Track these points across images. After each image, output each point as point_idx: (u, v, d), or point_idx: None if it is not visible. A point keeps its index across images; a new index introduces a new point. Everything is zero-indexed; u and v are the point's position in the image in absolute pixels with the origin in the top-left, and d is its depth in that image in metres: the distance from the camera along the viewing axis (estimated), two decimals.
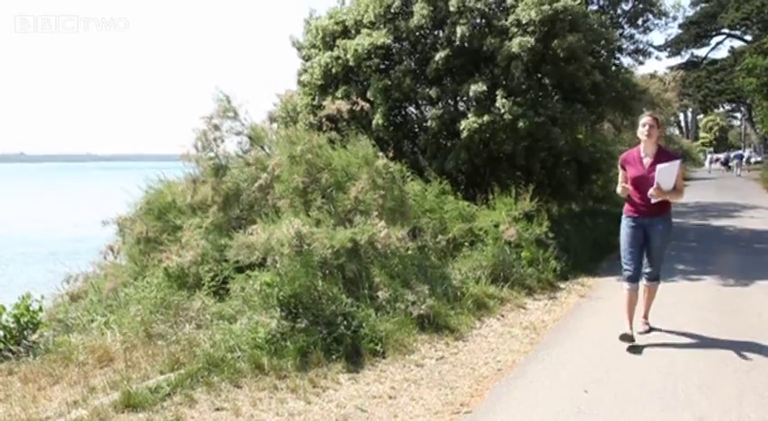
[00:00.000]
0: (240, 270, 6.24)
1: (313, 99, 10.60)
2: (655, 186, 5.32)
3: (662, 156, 5.48)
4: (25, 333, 6.33)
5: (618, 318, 5.84)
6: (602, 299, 7.41)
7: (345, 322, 5.48)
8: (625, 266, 5.76)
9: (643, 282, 5.89)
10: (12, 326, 6.30)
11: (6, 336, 6.23)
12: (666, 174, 5.31)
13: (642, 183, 5.46)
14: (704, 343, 5.65)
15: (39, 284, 8.75)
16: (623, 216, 5.74)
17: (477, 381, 4.93)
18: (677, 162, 5.38)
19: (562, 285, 8.09)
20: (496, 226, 8.07)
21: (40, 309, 6.75)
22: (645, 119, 5.53)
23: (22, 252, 21.48)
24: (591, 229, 11.35)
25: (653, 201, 5.40)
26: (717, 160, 44.67)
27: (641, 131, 5.50)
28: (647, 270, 5.86)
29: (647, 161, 5.49)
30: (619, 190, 5.68)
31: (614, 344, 5.54)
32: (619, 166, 5.73)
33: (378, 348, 5.43)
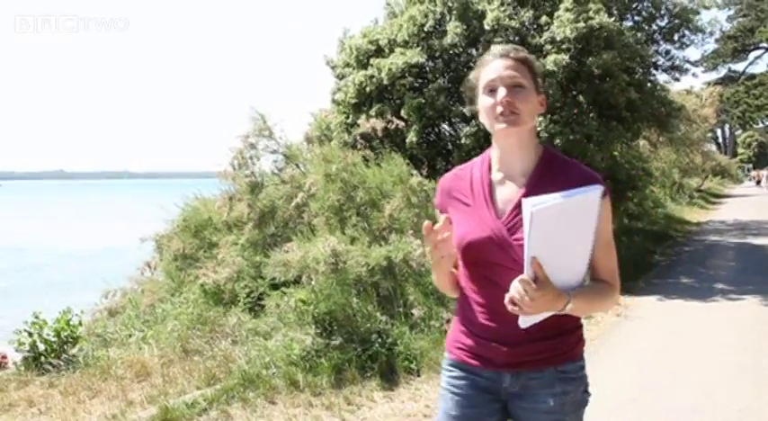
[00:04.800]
0: (275, 287, 6.30)
1: (347, 117, 10.68)
2: (526, 272, 1.67)
3: (553, 175, 1.87)
4: (65, 347, 6.43)
5: (656, 338, 5.76)
6: (640, 318, 7.30)
7: (380, 340, 5.48)
8: None
9: None
10: (52, 340, 6.41)
11: (47, 350, 6.34)
12: (560, 226, 1.64)
13: (494, 259, 1.86)
14: (745, 363, 5.54)
15: (79, 297, 8.91)
16: (444, 367, 2.11)
17: None
18: (595, 192, 1.67)
19: None
20: None
21: (80, 324, 6.87)
22: (496, 65, 1.90)
23: (65, 265, 21.90)
24: (627, 248, 11.23)
25: (522, 323, 1.75)
26: None
27: (488, 106, 1.89)
28: None
29: (507, 192, 1.91)
30: (435, 278, 2.08)
31: (652, 365, 5.45)
32: (437, 212, 2.11)
33: (412, 366, 5.42)
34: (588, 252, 1.72)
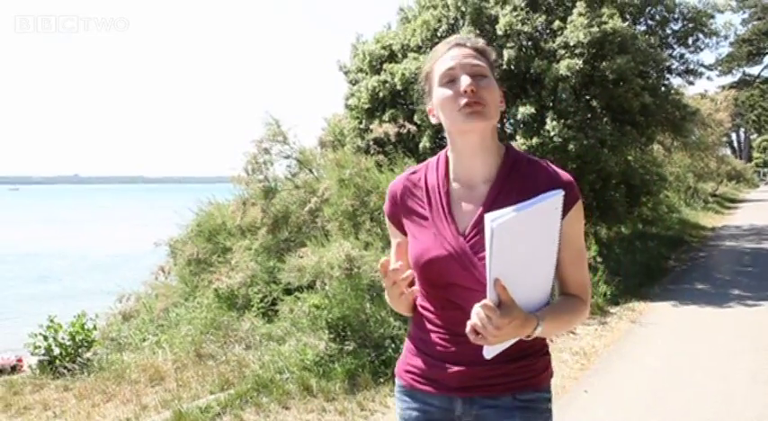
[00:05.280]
0: (289, 292, 6.32)
1: (360, 122, 10.70)
2: (489, 296, 1.43)
3: (518, 180, 1.64)
4: (80, 350, 6.49)
5: (671, 345, 5.71)
6: (655, 324, 7.25)
7: (393, 345, 5.47)
8: None
9: None
10: (67, 343, 6.47)
11: (62, 354, 6.40)
12: (522, 241, 1.43)
13: (455, 279, 1.62)
14: (761, 370, 5.48)
15: (93, 301, 8.99)
16: (396, 395, 1.83)
17: None
18: (555, 197, 1.47)
19: (612, 310, 7.95)
20: None
21: (95, 328, 6.93)
22: (453, 53, 1.66)
23: (79, 269, 22.05)
24: (641, 253, 11.17)
25: (487, 354, 1.51)
26: None
27: (448, 98, 1.61)
28: None
29: (468, 204, 1.66)
30: (390, 301, 1.74)
31: (668, 372, 5.42)
32: (387, 221, 1.82)
33: None
34: (552, 265, 1.55)
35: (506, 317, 1.41)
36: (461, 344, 1.58)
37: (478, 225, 1.58)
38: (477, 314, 1.43)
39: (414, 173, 1.77)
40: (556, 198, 1.46)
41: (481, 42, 1.72)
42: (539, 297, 1.55)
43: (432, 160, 1.77)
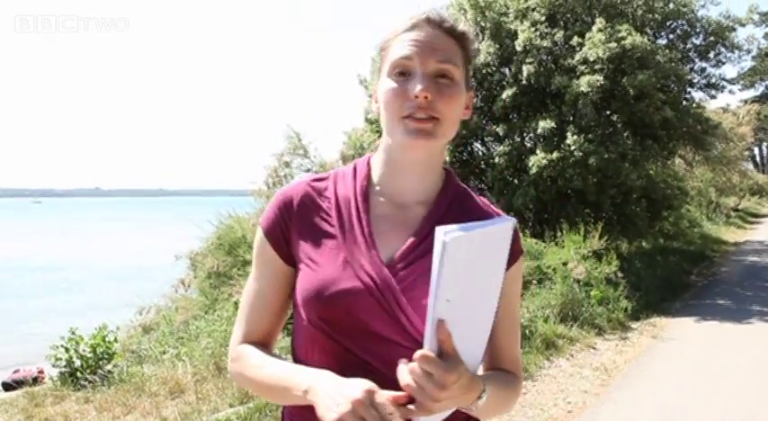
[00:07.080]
0: None
1: (380, 136, 10.71)
2: (428, 343, 0.97)
3: (460, 208, 1.27)
4: (101, 363, 6.53)
5: (692, 360, 5.64)
6: (676, 340, 7.17)
7: None
8: None
9: None
10: (88, 355, 6.51)
11: (83, 366, 6.44)
12: (471, 271, 1.00)
13: (373, 326, 1.13)
14: None
15: (114, 313, 9.06)
16: None
17: None
18: (507, 224, 1.04)
19: (633, 325, 7.87)
20: (565, 264, 7.95)
21: (115, 340, 6.97)
22: (418, 36, 1.18)
23: (100, 282, 22.23)
24: (662, 268, 11.07)
25: None
26: None
27: (393, 97, 1.17)
28: None
29: (397, 226, 1.23)
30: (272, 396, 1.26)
31: (689, 388, 5.34)
32: (260, 241, 1.26)
33: None
34: (492, 316, 1.09)
35: (454, 373, 0.97)
36: None
37: (410, 254, 1.17)
38: (411, 371, 0.98)
39: (319, 180, 1.30)
40: (506, 225, 1.05)
41: (462, 25, 1.23)
42: (475, 357, 1.09)
43: (344, 169, 1.31)
